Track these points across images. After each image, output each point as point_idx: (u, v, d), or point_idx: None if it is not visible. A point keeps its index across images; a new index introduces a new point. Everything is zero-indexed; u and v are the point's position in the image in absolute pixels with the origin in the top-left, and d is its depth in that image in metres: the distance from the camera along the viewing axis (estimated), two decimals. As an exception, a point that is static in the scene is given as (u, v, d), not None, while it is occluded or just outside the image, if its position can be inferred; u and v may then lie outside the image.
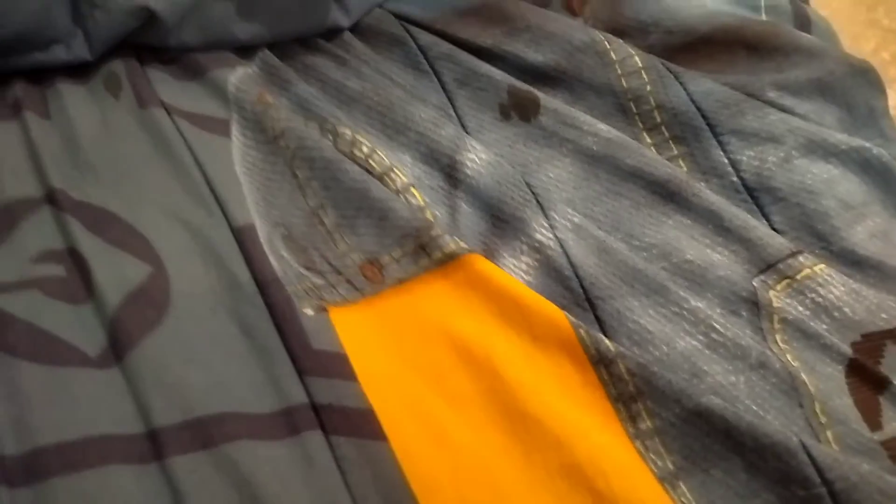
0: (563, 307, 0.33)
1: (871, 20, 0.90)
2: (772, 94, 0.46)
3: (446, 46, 0.44)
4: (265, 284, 0.34)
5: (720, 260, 0.35)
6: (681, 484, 0.29)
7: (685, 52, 0.45)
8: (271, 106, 0.40)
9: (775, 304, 0.34)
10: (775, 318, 0.34)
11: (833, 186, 0.39)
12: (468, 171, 0.38)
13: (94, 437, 0.29)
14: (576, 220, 0.36)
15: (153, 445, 0.30)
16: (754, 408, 0.30)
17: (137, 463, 0.29)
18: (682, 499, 0.28)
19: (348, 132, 0.39)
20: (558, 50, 0.43)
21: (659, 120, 0.41)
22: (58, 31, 0.42)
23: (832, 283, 0.35)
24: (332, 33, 0.46)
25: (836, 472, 0.27)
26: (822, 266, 0.35)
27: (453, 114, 0.42)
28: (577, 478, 0.29)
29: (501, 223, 0.36)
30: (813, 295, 0.34)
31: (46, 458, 0.29)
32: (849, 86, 0.48)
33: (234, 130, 0.40)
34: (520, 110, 0.42)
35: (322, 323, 0.33)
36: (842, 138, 0.43)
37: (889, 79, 0.62)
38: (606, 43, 0.43)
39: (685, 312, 0.33)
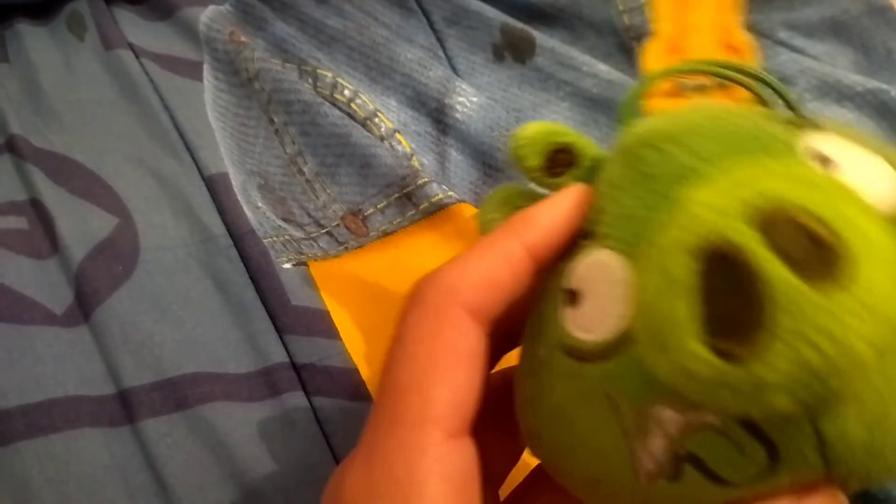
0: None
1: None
2: (782, 35, 0.43)
3: (435, -18, 0.40)
4: (240, 237, 0.32)
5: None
6: None
7: (692, -12, 0.42)
8: (245, 46, 0.37)
9: None
10: None
11: (847, 131, 0.37)
12: (458, 116, 0.35)
13: (62, 398, 0.28)
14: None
15: (124, 407, 0.28)
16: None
17: (108, 426, 0.28)
18: None
19: (329, 74, 0.36)
20: (555, -15, 0.40)
21: (663, 60, 0.38)
22: (14, -34, 0.39)
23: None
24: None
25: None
26: None
27: (442, 55, 0.39)
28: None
29: (494, 171, 0.34)
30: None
31: (11, 421, 0.27)
32: (865, 26, 0.45)
33: (206, 73, 0.37)
34: (514, 50, 0.39)
35: (302, 278, 0.32)
36: (857, 80, 0.41)
37: (905, 21, 0.59)
38: (607, -23, 0.40)
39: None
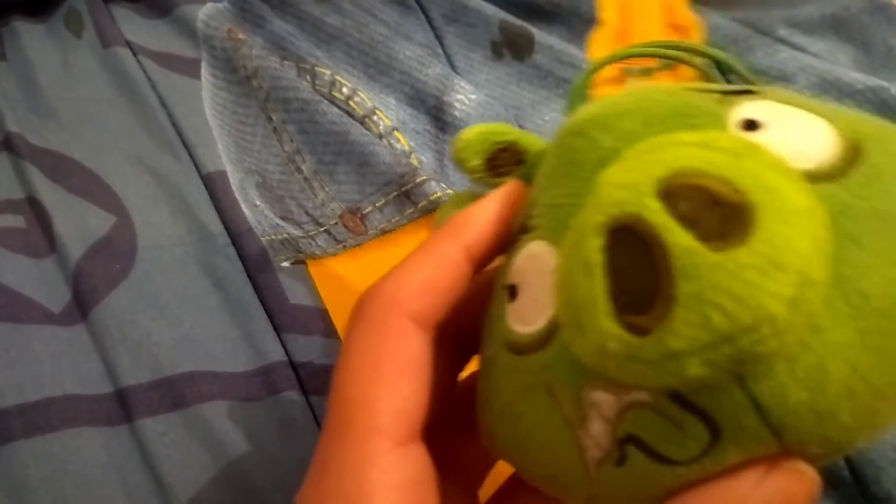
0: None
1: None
2: (783, 32, 0.43)
3: (433, -21, 0.40)
4: (238, 235, 0.32)
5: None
6: None
7: (692, -15, 0.42)
8: (243, 43, 0.37)
9: None
10: None
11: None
12: (457, 114, 0.35)
13: (59, 397, 0.28)
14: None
15: (121, 406, 0.28)
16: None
17: (105, 425, 0.28)
18: None
19: (327, 72, 0.36)
20: (554, -18, 0.40)
21: (663, 57, 0.38)
22: (11, -36, 0.39)
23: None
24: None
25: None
26: None
27: (441, 52, 0.39)
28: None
29: (492, 169, 0.34)
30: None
31: (8, 420, 0.27)
32: (866, 23, 0.45)
33: (204, 71, 0.37)
34: (513, 48, 0.39)
35: (300, 276, 0.31)
36: (858, 77, 0.41)
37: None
38: (607, -26, 0.40)
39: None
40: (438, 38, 0.39)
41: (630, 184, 0.11)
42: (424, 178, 0.32)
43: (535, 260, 0.14)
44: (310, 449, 0.28)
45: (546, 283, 0.14)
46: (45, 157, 0.34)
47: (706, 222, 0.10)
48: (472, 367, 0.18)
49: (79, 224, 0.32)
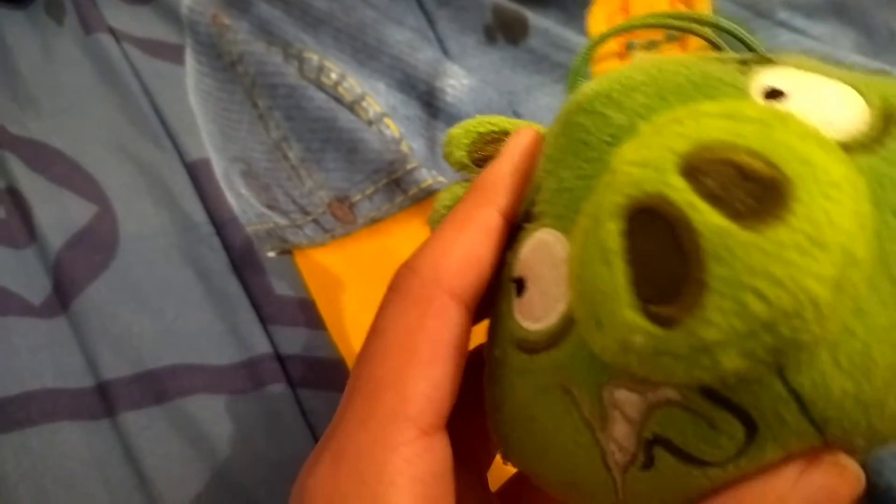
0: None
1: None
2: (783, 15, 0.42)
3: (425, -39, 0.39)
4: (222, 224, 0.31)
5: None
6: None
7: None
8: (228, 28, 0.36)
9: None
10: None
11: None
12: (448, 99, 0.34)
13: (39, 391, 0.27)
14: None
15: (102, 400, 0.27)
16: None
17: (86, 419, 0.27)
18: None
19: (315, 57, 0.35)
20: (549, -37, 0.39)
21: (660, 40, 0.37)
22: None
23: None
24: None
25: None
26: None
27: (432, 36, 0.38)
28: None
29: (485, 156, 0.33)
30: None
31: (-13, 415, 0.26)
32: (867, 6, 0.44)
33: (188, 57, 0.36)
34: (506, 31, 0.38)
35: (286, 266, 0.31)
36: (859, 61, 0.40)
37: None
38: (603, -45, 0.39)
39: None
40: (430, 21, 0.38)
41: (649, 161, 0.10)
42: (415, 165, 0.32)
43: (543, 250, 0.13)
44: (296, 444, 0.28)
45: (557, 275, 0.13)
46: (25, 145, 0.33)
47: (736, 199, 0.09)
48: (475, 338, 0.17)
49: (59, 214, 0.31)
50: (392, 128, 0.34)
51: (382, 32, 0.36)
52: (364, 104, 0.34)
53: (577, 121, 0.14)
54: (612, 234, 0.10)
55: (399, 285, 0.14)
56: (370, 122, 0.34)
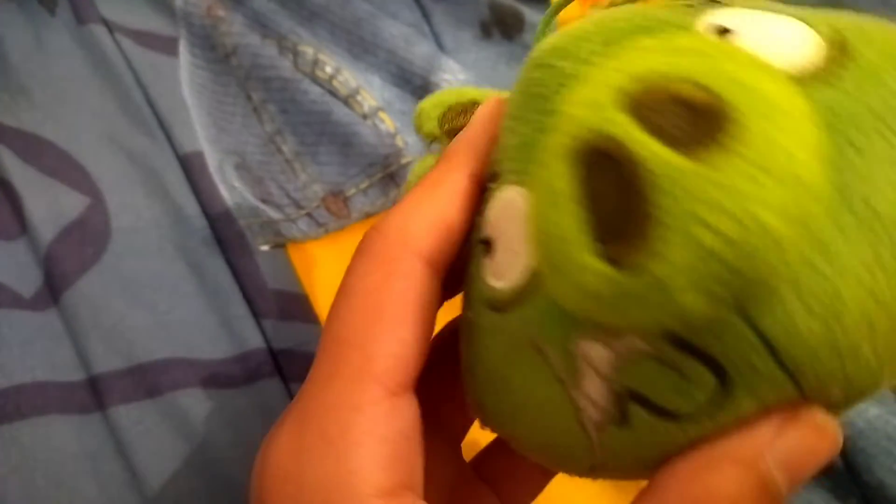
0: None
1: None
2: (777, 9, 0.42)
3: (421, -45, 0.39)
4: (215, 218, 0.31)
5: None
6: None
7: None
8: (223, 20, 0.36)
9: None
10: None
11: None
12: (443, 94, 0.34)
13: (29, 384, 0.27)
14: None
15: (93, 393, 0.27)
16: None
17: (77, 412, 0.27)
18: None
19: (310, 50, 0.35)
20: (545, -41, 0.39)
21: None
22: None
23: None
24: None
25: (842, 417, 0.25)
26: None
27: (428, 31, 0.38)
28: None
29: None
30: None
31: (-24, 407, 0.26)
32: (863, 5, 0.45)
33: (182, 48, 0.36)
34: (502, 27, 0.38)
35: (280, 260, 0.31)
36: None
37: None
38: (599, -50, 0.38)
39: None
40: (425, 16, 0.38)
41: (594, 102, 0.10)
42: (410, 159, 0.31)
43: (508, 207, 0.13)
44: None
45: (521, 231, 0.12)
46: (17, 136, 0.33)
47: (680, 130, 0.09)
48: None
49: (51, 206, 0.31)
50: (387, 122, 0.33)
51: (378, 26, 0.36)
52: (359, 98, 0.34)
53: (533, 76, 0.13)
54: (561, 176, 0.10)
55: (366, 247, 0.14)
56: (365, 116, 0.33)
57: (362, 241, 0.14)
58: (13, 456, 0.25)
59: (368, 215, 0.32)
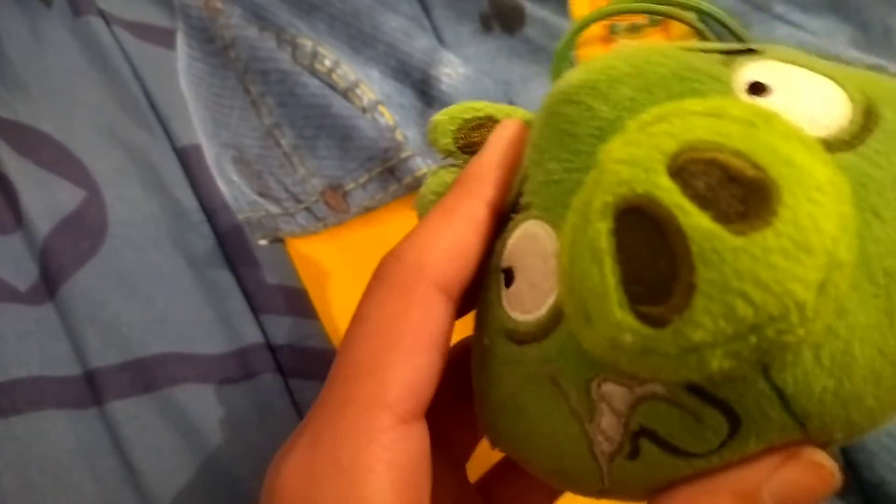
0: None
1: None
2: (779, 9, 0.42)
3: (421, -52, 0.39)
4: (213, 212, 0.30)
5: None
6: None
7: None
8: (221, 12, 0.35)
9: None
10: None
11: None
12: (443, 88, 0.34)
13: (25, 379, 0.27)
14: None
15: (90, 388, 0.27)
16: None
17: (73, 408, 0.26)
18: None
19: (309, 43, 0.35)
20: (547, -48, 0.38)
21: (657, 32, 0.37)
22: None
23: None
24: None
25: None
26: None
27: (428, 25, 0.37)
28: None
29: (480, 145, 0.33)
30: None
31: (-29, 402, 0.26)
32: (864, 2, 0.44)
33: (180, 41, 0.36)
34: (503, 21, 0.37)
35: (278, 255, 0.30)
36: (855, 56, 0.40)
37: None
38: (601, -56, 0.38)
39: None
40: (425, 9, 0.38)
41: (637, 160, 0.10)
42: (409, 153, 0.31)
43: (532, 242, 0.13)
44: (287, 434, 0.27)
45: (546, 268, 0.13)
46: (13, 129, 0.33)
47: (724, 202, 0.09)
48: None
49: (47, 199, 0.30)
50: (386, 116, 0.33)
51: (377, 20, 0.36)
52: (358, 91, 0.34)
53: (563, 111, 0.14)
54: (602, 232, 0.10)
55: (383, 274, 0.14)
56: (364, 110, 0.33)
57: (379, 268, 0.14)
58: (9, 451, 0.25)
59: (367, 210, 0.32)
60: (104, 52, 0.35)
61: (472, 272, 0.14)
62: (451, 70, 0.34)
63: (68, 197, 0.31)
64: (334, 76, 0.34)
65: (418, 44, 0.35)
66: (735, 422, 0.11)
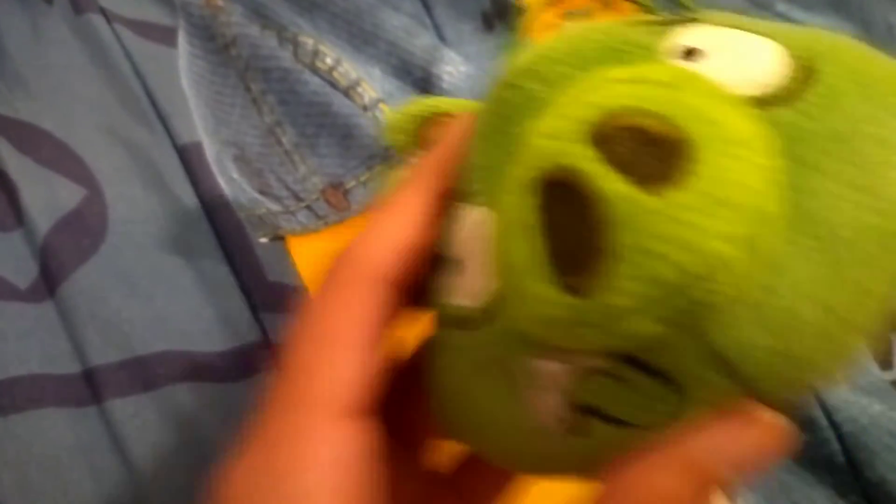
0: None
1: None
2: (781, 7, 0.42)
3: (422, -54, 0.39)
4: (214, 209, 0.30)
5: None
6: None
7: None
8: (222, 10, 0.35)
9: None
10: None
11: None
12: (444, 86, 0.34)
13: (25, 377, 0.27)
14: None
15: (89, 386, 0.27)
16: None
17: (73, 405, 0.27)
18: None
19: (310, 41, 0.35)
20: (548, -49, 0.38)
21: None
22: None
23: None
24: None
25: (845, 413, 0.25)
26: None
27: (429, 23, 0.37)
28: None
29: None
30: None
31: (-29, 400, 0.26)
32: (866, 0, 0.44)
33: (181, 38, 0.36)
34: (504, 19, 0.37)
35: (278, 253, 0.30)
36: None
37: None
38: (602, -57, 0.38)
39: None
40: (427, 8, 0.38)
41: (560, 133, 0.10)
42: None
43: (476, 228, 0.13)
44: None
45: (489, 253, 0.13)
46: (14, 127, 0.33)
47: (644, 165, 0.09)
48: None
49: (47, 197, 0.30)
50: (388, 113, 0.33)
51: (379, 18, 0.36)
52: (359, 90, 0.34)
53: (500, 95, 0.13)
54: (526, 207, 0.10)
55: (329, 272, 0.14)
56: (365, 108, 0.33)
57: (329, 266, 0.14)
58: (8, 449, 0.25)
59: (368, 208, 0.31)
60: (105, 49, 0.35)
61: (418, 262, 0.14)
62: (453, 68, 0.34)
63: (69, 195, 0.31)
64: (335, 74, 0.34)
65: (420, 42, 0.35)
66: (680, 390, 0.11)
